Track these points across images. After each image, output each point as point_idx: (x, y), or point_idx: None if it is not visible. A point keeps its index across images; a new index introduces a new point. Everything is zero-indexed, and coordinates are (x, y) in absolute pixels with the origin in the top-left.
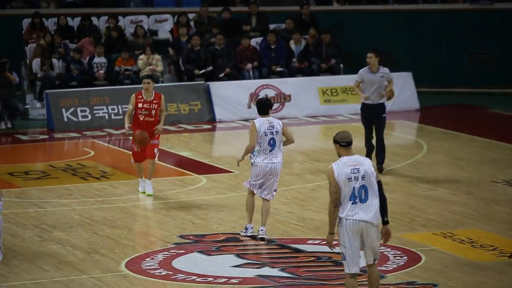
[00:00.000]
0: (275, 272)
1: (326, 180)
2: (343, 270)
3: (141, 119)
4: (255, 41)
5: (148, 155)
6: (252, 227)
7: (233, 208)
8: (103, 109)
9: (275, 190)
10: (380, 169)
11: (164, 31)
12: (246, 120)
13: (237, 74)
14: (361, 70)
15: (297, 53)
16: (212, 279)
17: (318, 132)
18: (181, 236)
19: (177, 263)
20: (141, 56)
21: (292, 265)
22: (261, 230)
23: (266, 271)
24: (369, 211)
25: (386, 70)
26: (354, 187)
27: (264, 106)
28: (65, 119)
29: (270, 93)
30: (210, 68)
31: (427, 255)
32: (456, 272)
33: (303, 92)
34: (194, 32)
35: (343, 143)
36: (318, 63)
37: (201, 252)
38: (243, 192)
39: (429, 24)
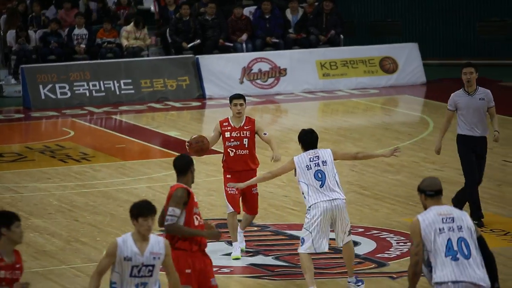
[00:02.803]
0: (269, 260)
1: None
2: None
3: (232, 154)
4: (248, 10)
5: (249, 208)
6: None
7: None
8: (83, 85)
9: (349, 231)
10: (480, 224)
11: (150, 0)
12: None
13: (229, 47)
14: (452, 94)
15: (293, 23)
16: None
17: (316, 108)
18: None
19: None
20: (125, 27)
21: (288, 253)
22: (356, 283)
23: (260, 259)
24: (477, 270)
25: (485, 90)
26: (450, 239)
27: (307, 143)
28: (43, 97)
29: (265, 67)
30: (199, 40)
31: None
32: None
33: (300, 65)
34: (182, 0)
35: (429, 193)
36: (317, 34)
37: None
38: None
39: None
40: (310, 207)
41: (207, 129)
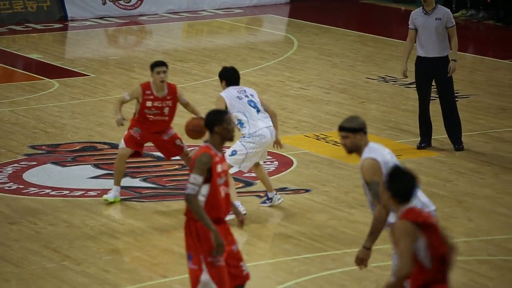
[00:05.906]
0: (136, 182)
1: (190, 82)
2: None
3: (151, 119)
4: None
5: (174, 152)
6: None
7: (89, 115)
8: None
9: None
10: (460, 148)
11: None
12: (101, 18)
13: None
14: (412, 12)
15: None
16: (68, 192)
17: (180, 29)
18: (33, 147)
19: (28, 176)
20: None
21: (155, 175)
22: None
23: (127, 181)
24: None
25: (444, 10)
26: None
27: (232, 80)
28: None
29: None
30: None
31: (299, 159)
32: (330, 176)
33: None
34: None
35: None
36: None
37: (55, 163)
38: (100, 97)
39: None
40: (254, 132)
41: (70, 51)
